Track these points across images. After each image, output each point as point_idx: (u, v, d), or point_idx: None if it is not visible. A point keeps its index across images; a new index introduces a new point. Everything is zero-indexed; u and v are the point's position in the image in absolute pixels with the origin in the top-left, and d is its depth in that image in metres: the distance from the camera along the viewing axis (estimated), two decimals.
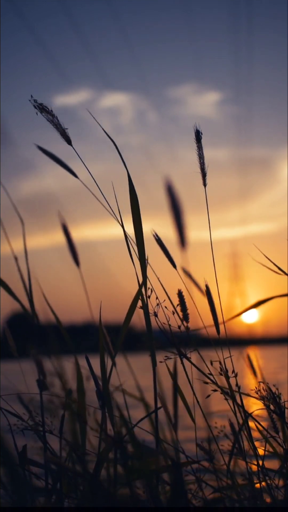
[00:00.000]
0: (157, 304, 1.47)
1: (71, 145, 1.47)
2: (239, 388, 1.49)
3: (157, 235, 1.53)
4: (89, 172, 1.47)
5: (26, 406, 1.60)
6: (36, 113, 1.42)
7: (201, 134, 1.44)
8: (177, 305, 1.49)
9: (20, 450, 1.52)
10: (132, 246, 1.49)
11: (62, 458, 1.48)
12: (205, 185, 1.48)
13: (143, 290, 1.47)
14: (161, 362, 1.47)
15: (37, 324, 1.50)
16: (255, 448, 1.49)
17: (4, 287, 1.54)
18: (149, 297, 1.46)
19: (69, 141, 1.47)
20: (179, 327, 1.50)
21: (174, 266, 1.52)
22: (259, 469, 1.50)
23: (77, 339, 1.55)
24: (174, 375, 1.54)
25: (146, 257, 1.48)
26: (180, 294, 1.48)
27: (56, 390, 1.40)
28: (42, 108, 1.42)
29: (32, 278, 1.48)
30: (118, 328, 1.58)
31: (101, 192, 1.47)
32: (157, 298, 1.48)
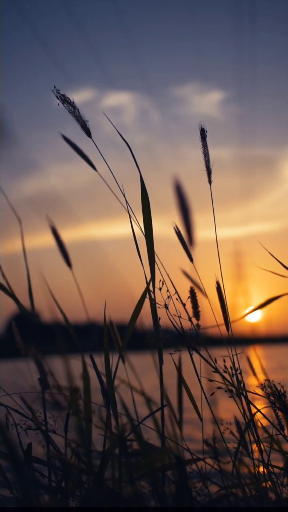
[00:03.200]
0: (168, 297, 1.49)
1: (91, 138, 1.49)
2: (244, 385, 1.49)
3: (177, 228, 1.54)
4: (108, 167, 1.48)
5: (28, 406, 1.61)
6: (58, 104, 1.44)
7: (206, 132, 1.45)
8: (187, 298, 1.50)
9: (25, 447, 1.52)
10: (138, 244, 1.50)
11: (67, 455, 1.48)
12: (210, 182, 1.49)
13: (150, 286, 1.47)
14: (171, 354, 1.48)
15: (38, 322, 1.50)
16: (259, 440, 1.50)
17: (1, 287, 1.55)
18: (160, 289, 1.47)
19: (89, 134, 1.48)
20: (189, 319, 1.51)
21: (191, 259, 1.52)
22: (264, 469, 1.50)
23: (80, 338, 1.56)
24: (179, 372, 1.55)
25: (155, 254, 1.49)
26: (192, 291, 1.49)
27: (56, 389, 1.41)
28: (64, 99, 1.44)
29: (40, 277, 1.48)
30: (121, 327, 1.58)
31: (116, 188, 1.48)
32: (168, 290, 1.48)
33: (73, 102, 1.44)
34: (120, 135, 1.50)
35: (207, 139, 1.45)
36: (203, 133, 1.44)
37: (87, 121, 1.47)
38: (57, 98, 1.43)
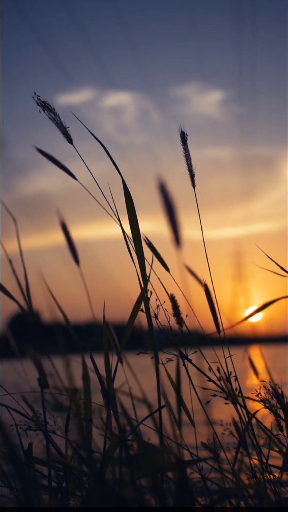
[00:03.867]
0: (157, 306, 1.47)
1: (72, 144, 1.47)
2: (240, 391, 1.48)
3: (147, 240, 1.53)
4: (90, 172, 1.48)
5: (30, 406, 1.61)
6: (39, 110, 1.42)
7: (187, 135, 1.43)
8: (177, 306, 1.49)
9: (26, 448, 1.52)
10: (133, 246, 1.48)
11: (67, 456, 1.48)
12: (194, 186, 1.48)
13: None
14: (162, 364, 1.46)
15: (37, 323, 1.50)
16: (259, 446, 1.50)
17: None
18: (148, 299, 1.45)
19: (70, 140, 1.47)
20: (180, 328, 1.50)
21: (167, 269, 1.51)
22: (263, 467, 1.50)
23: (80, 338, 1.56)
24: (177, 373, 1.55)
25: (147, 259, 1.48)
26: (172, 298, 1.46)
27: (58, 389, 1.41)
28: (45, 106, 1.42)
29: (38, 277, 1.48)
30: (119, 327, 1.58)
31: (102, 193, 1.47)
32: (157, 299, 1.47)
33: (54, 108, 1.43)
34: (92, 134, 1.48)
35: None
36: (183, 137, 1.42)
37: (68, 127, 1.46)
38: (38, 105, 1.42)
